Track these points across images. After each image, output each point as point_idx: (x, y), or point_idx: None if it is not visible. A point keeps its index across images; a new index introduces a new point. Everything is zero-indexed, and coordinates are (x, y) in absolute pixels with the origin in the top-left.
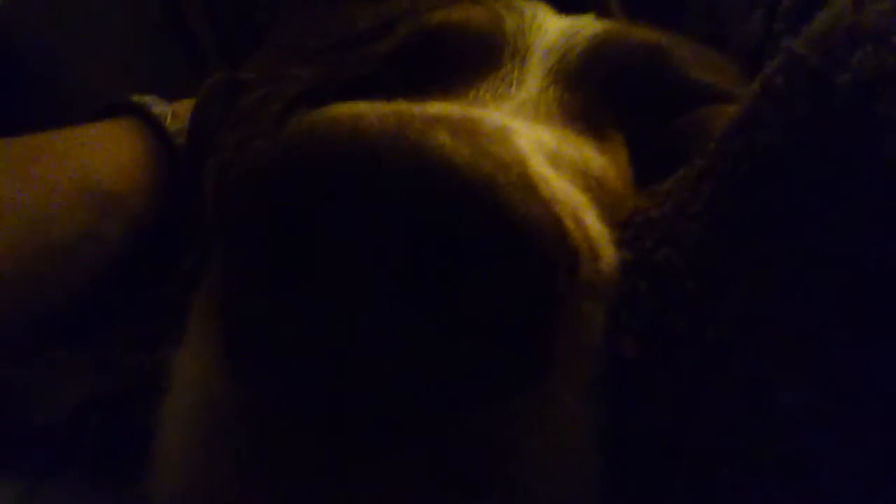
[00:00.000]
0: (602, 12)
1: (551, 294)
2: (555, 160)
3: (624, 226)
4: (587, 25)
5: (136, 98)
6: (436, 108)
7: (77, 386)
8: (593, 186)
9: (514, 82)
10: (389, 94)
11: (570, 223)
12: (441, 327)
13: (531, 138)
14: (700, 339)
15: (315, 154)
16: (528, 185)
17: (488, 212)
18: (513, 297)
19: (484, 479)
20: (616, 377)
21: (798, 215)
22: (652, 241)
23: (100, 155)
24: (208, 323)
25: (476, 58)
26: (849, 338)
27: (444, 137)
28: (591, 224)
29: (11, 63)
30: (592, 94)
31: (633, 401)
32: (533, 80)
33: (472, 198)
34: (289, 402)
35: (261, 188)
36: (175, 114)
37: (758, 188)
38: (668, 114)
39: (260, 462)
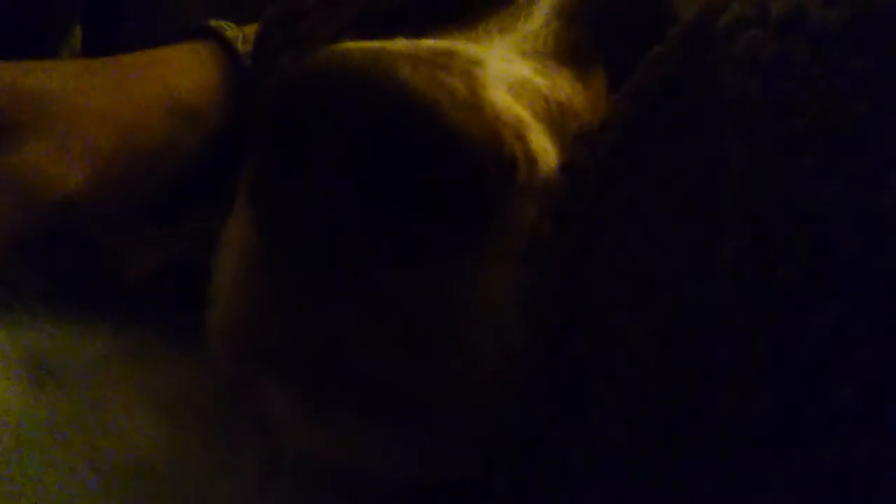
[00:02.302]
0: None
1: (485, 190)
2: (517, 88)
3: (571, 139)
4: None
5: (213, 23)
6: (414, 45)
7: (158, 252)
8: (553, 109)
9: (523, 17)
10: (418, 24)
11: (509, 137)
12: (398, 207)
13: (498, 69)
14: (596, 218)
15: (312, 83)
16: (471, 107)
17: (432, 128)
18: (453, 191)
19: (430, 324)
20: (536, 252)
21: (680, 128)
22: (576, 149)
23: (181, 74)
24: (246, 198)
25: None
26: None
27: (405, 70)
28: (534, 138)
29: None
30: (586, 29)
31: (546, 271)
32: (538, 15)
33: (420, 117)
34: (295, 253)
35: (275, 104)
36: (245, 38)
37: (656, 109)
38: (648, 44)
39: (280, 292)
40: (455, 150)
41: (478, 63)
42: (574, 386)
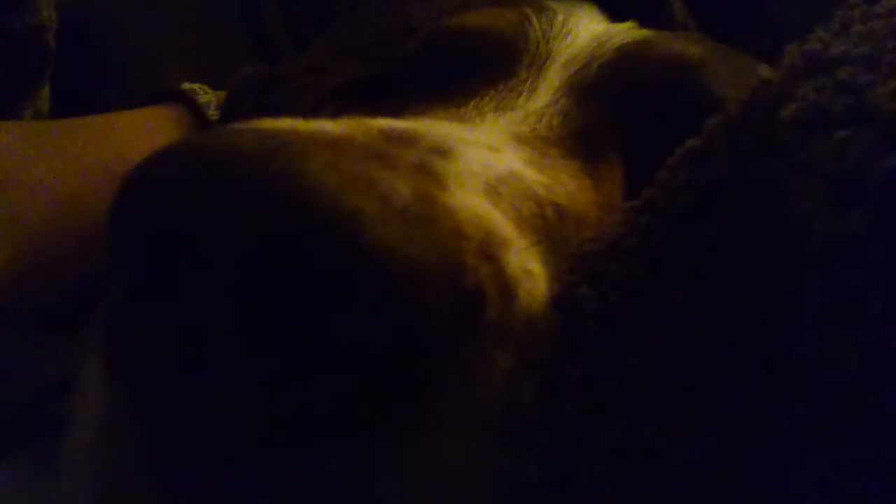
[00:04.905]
0: (663, 14)
1: (430, 340)
2: (497, 186)
3: (568, 259)
4: (621, 33)
5: (184, 85)
6: (353, 127)
7: (49, 368)
8: (547, 214)
9: (526, 91)
10: (403, 96)
11: (471, 260)
12: (300, 369)
13: (474, 161)
14: (589, 391)
15: (180, 182)
16: (415, 217)
17: (347, 250)
18: (382, 343)
19: None
20: (512, 428)
21: (728, 260)
22: (577, 277)
23: (139, 140)
24: (99, 342)
25: (488, 65)
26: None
27: (314, 165)
28: (512, 258)
29: (87, 52)
30: (602, 109)
31: (525, 458)
32: (545, 90)
33: (331, 234)
34: (164, 425)
35: (130, 210)
36: (220, 102)
37: (691, 226)
38: (681, 131)
39: (147, 466)
40: (381, 284)
41: (443, 153)
42: None
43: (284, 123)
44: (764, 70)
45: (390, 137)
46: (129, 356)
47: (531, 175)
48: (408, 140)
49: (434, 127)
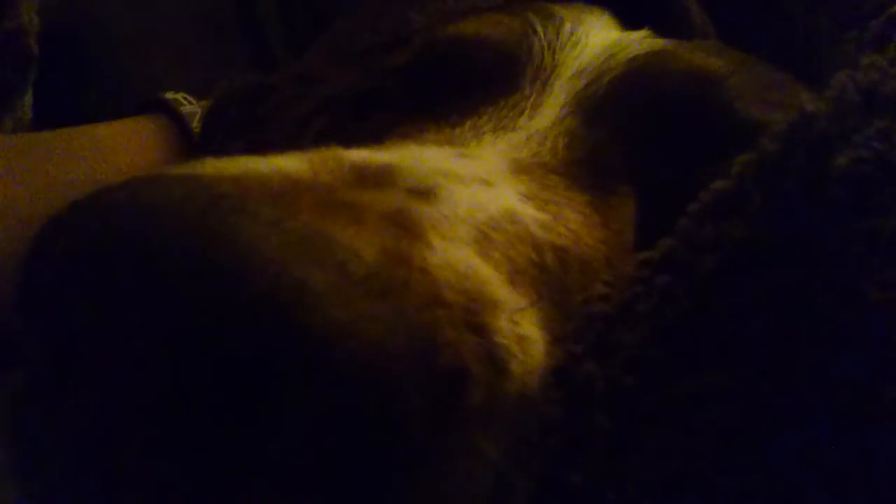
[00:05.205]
0: (681, 20)
1: (398, 440)
2: (490, 233)
3: (572, 319)
4: (635, 43)
5: (168, 95)
6: (319, 162)
7: None
8: (548, 262)
9: (529, 109)
10: (396, 111)
11: (453, 335)
12: (211, 484)
13: (461, 203)
14: (605, 476)
15: (87, 243)
16: (381, 289)
17: (285, 336)
18: (329, 451)
19: None
20: None
21: (768, 341)
22: (582, 347)
23: (117, 154)
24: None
25: (488, 79)
26: None
27: (253, 226)
28: (503, 325)
29: (72, 57)
30: (613, 129)
31: None
32: (551, 107)
33: (260, 316)
34: None
35: (27, 271)
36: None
37: (719, 293)
38: (704, 159)
39: None
40: (331, 377)
41: (425, 194)
42: None
43: (232, 166)
44: (799, 91)
45: (363, 176)
46: (31, 456)
47: (530, 213)
48: (384, 179)
49: (418, 158)
